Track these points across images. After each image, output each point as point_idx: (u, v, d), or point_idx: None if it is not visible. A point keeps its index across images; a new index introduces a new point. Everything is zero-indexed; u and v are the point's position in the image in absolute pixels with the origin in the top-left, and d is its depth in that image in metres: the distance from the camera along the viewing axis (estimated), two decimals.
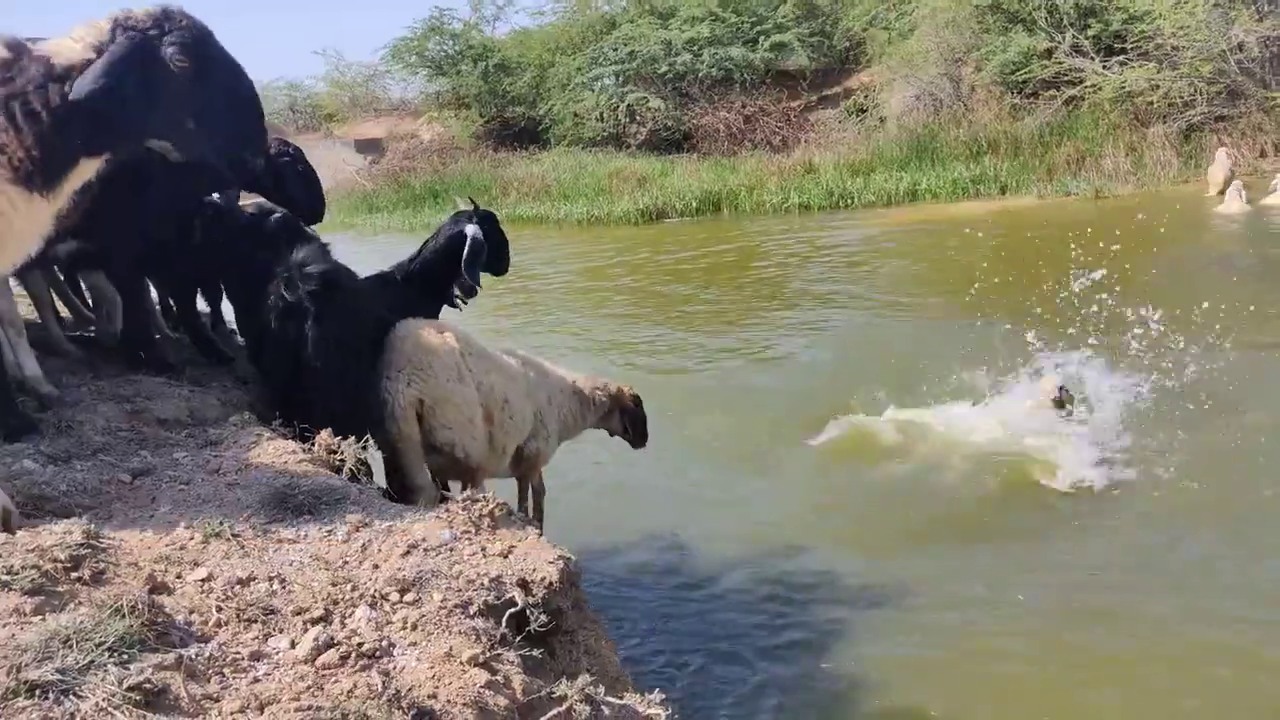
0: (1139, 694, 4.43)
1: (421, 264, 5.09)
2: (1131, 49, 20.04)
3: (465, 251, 4.89)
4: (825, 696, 4.44)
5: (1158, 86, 19.47)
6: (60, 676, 1.93)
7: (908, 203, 20.06)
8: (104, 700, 1.91)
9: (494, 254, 5.23)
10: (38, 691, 1.88)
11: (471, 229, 4.94)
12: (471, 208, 5.16)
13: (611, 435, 5.91)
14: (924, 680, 4.55)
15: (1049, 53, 21.13)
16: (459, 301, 5.24)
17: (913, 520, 6.26)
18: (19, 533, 2.71)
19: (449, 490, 4.55)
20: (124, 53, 2.81)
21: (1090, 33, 20.67)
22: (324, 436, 3.76)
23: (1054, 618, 5.05)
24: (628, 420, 5.79)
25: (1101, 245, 9.17)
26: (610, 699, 2.43)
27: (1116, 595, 5.22)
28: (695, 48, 26.90)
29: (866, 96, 25.39)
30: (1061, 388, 7.40)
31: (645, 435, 5.90)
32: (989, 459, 6.98)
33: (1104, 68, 20.40)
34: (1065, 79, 20.91)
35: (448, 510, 3.15)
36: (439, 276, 5.11)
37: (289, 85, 37.58)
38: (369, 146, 31.98)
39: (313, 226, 5.14)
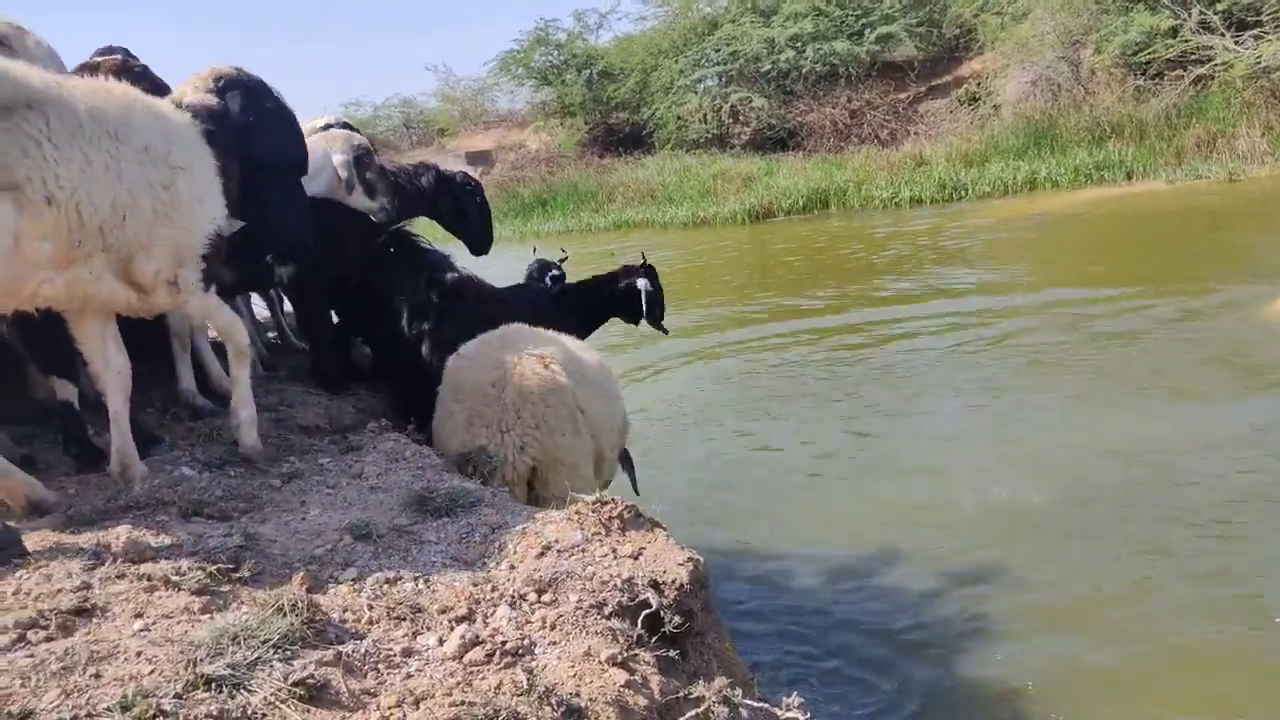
0: None
1: (585, 294, 5.50)
2: (1268, 20, 18.91)
3: (644, 305, 5.36)
4: (968, 702, 4.22)
5: None
6: (231, 671, 2.05)
7: (1026, 192, 19.40)
8: (272, 695, 2.02)
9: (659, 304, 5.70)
10: (213, 685, 2.00)
11: (642, 282, 5.39)
12: (640, 262, 5.59)
13: None
14: (1076, 682, 4.28)
15: (1174, 31, 20.12)
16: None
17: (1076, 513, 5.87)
18: (182, 535, 2.89)
19: None
20: None
21: (1220, 7, 19.61)
22: None
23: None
24: None
25: None
26: (748, 701, 2.44)
27: None
28: (798, 44, 26.65)
29: (979, 85, 24.67)
30: None
31: None
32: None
33: (1235, 43, 19.30)
34: (1192, 57, 19.89)
35: (578, 513, 3.20)
36: (594, 312, 5.55)
37: (403, 102, 38.93)
38: (479, 158, 32.77)
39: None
